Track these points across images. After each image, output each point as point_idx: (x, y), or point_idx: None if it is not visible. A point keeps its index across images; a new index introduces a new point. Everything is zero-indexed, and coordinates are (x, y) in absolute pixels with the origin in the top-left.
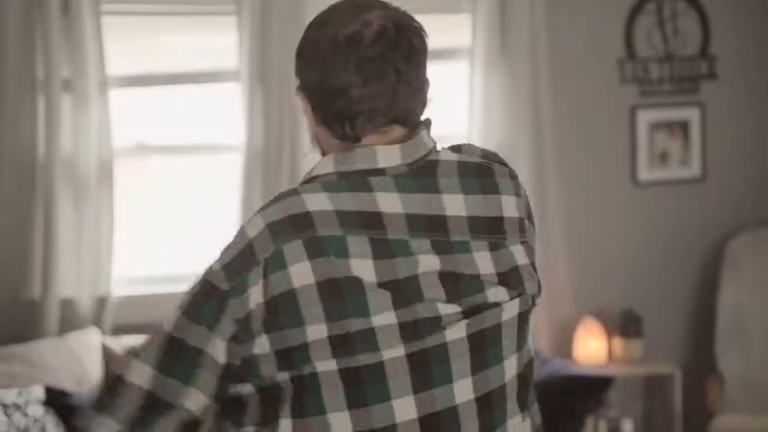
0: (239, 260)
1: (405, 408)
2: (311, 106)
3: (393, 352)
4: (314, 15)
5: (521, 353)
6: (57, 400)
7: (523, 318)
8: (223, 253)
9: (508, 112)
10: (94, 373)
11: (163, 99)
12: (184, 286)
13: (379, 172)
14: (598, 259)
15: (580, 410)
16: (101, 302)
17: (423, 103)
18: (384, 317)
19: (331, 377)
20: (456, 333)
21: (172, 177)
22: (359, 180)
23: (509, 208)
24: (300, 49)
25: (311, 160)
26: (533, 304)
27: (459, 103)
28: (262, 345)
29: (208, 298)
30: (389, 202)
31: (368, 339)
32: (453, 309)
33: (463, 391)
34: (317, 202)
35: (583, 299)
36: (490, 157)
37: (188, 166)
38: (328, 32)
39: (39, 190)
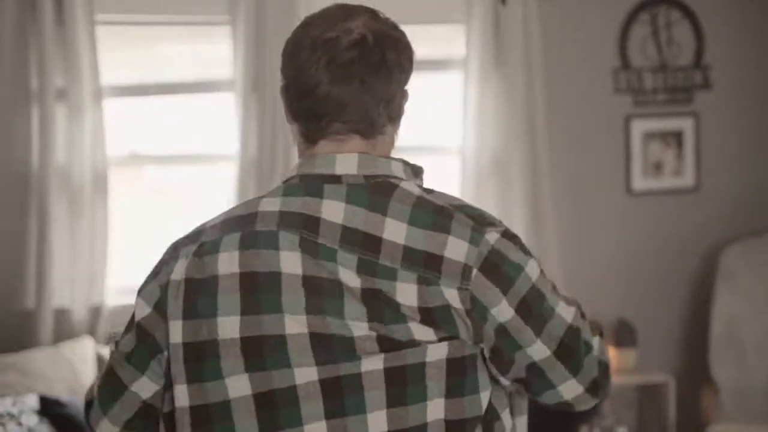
0: (186, 239)
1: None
2: (286, 103)
3: (306, 371)
4: None
5: (458, 402)
6: (51, 410)
7: (457, 365)
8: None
9: (503, 122)
10: (88, 382)
11: (157, 109)
12: None
13: (336, 179)
14: (592, 268)
15: (574, 419)
16: (95, 312)
17: (390, 117)
18: (295, 323)
19: (246, 402)
20: (372, 364)
21: (166, 186)
22: (316, 185)
23: (454, 251)
24: (284, 47)
25: None
26: (489, 353)
27: (453, 114)
28: (176, 333)
29: (153, 269)
30: (332, 211)
31: (280, 348)
32: (366, 331)
33: (376, 423)
34: (270, 204)
35: None
36: (463, 209)
37: (182, 176)
38: (311, 33)
39: (33, 200)
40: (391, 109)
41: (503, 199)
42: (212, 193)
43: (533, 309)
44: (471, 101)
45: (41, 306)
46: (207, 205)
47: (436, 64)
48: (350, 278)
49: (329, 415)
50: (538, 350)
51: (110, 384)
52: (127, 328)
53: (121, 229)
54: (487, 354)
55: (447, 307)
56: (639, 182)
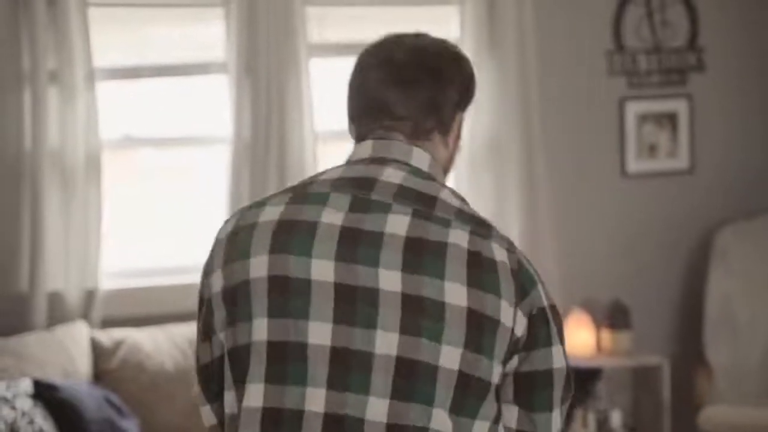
0: (244, 207)
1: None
2: (346, 105)
3: (320, 327)
4: (301, 4)
5: (474, 356)
6: (45, 393)
7: (477, 320)
8: None
9: (497, 105)
10: (82, 366)
11: (150, 91)
12: (172, 279)
13: (406, 165)
14: (587, 250)
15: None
16: (89, 295)
17: (439, 126)
18: (322, 269)
19: (261, 347)
20: (391, 319)
21: (159, 169)
22: (383, 162)
23: (499, 229)
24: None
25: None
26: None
27: None
28: (218, 282)
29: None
30: (391, 175)
31: (303, 297)
32: (394, 284)
33: (319, 333)
34: (329, 174)
35: (571, 291)
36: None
37: (176, 159)
38: (379, 41)
39: (26, 183)
40: (440, 117)
41: (498, 181)
42: (206, 176)
43: (558, 317)
44: None
45: (35, 289)
46: (201, 187)
47: None
48: (398, 227)
49: (331, 385)
50: (558, 353)
51: (197, 365)
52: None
53: (114, 212)
54: (525, 315)
55: (493, 262)
56: (633, 164)
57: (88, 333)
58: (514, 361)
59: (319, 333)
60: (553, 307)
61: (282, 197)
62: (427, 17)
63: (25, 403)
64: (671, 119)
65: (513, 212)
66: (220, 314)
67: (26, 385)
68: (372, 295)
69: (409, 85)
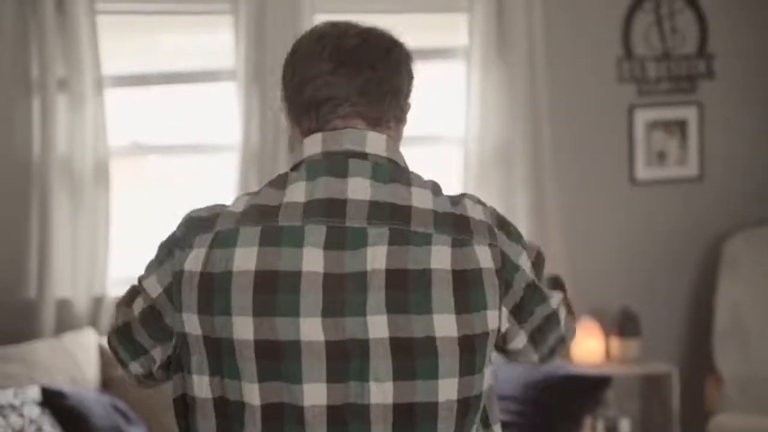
0: (201, 221)
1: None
2: (286, 105)
3: (315, 389)
4: (310, 12)
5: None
6: (53, 401)
7: (469, 344)
8: (198, 209)
9: (505, 112)
10: (90, 373)
11: (158, 98)
12: None
13: (363, 156)
14: (596, 258)
15: (578, 410)
16: (97, 302)
17: (396, 115)
18: (311, 328)
19: (253, 391)
20: (384, 374)
21: (167, 176)
22: (340, 162)
23: (474, 212)
24: (287, 55)
25: None
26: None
27: (456, 103)
28: (193, 325)
29: (166, 240)
30: (358, 189)
31: (294, 357)
32: (384, 331)
33: (315, 394)
34: (293, 193)
35: (580, 298)
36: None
37: (184, 166)
38: (315, 31)
39: (34, 190)
40: (397, 106)
41: (506, 188)
42: (214, 183)
43: (542, 267)
44: (473, 90)
45: (43, 296)
46: (209, 194)
47: (438, 53)
48: (378, 259)
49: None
50: (554, 298)
51: (131, 344)
52: (133, 293)
53: (122, 219)
54: (509, 308)
55: (479, 272)
56: (642, 172)
57: (95, 340)
58: (516, 334)
59: (315, 395)
60: (538, 255)
61: (250, 231)
62: (436, 24)
63: (33, 411)
64: (680, 126)
65: (521, 219)
66: (199, 359)
67: (34, 393)
68: (362, 347)
69: (371, 70)
